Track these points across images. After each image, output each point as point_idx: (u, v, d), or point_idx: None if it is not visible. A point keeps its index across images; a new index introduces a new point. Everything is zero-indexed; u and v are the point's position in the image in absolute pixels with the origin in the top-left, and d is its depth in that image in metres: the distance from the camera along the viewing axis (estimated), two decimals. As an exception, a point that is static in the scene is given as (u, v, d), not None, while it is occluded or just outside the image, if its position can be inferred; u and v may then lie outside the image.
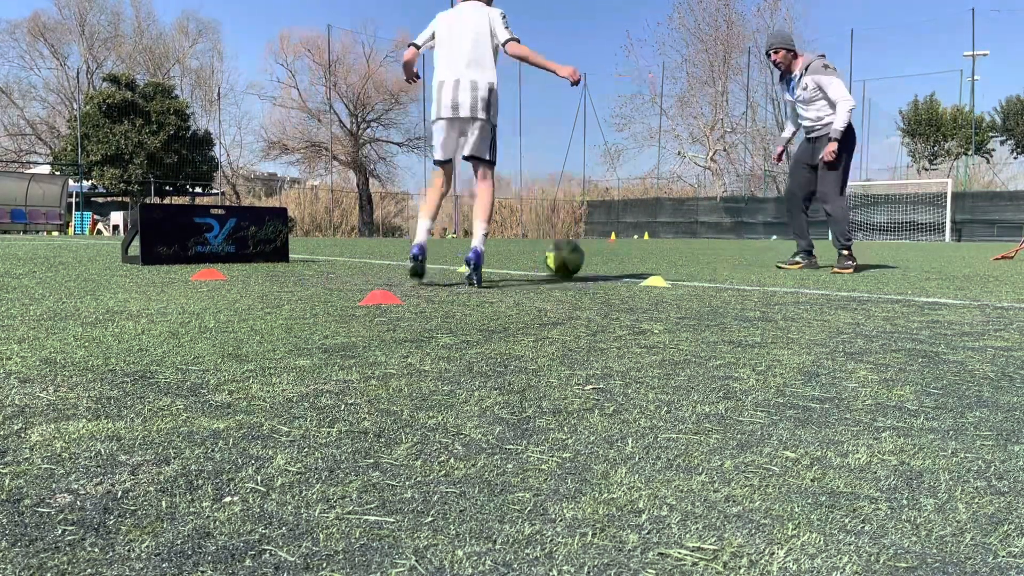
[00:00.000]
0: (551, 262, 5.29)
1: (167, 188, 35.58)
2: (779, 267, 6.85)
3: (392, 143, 40.25)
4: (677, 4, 54.19)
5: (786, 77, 6.55)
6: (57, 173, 33.82)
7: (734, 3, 39.91)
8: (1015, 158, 41.83)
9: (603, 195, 40.63)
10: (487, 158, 4.64)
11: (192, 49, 46.36)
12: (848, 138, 6.31)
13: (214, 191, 38.35)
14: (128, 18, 45.79)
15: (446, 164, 4.72)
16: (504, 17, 4.63)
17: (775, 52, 6.44)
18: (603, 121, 64.85)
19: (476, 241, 4.59)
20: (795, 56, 6.44)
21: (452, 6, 4.87)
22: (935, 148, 41.24)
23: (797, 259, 6.76)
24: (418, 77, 4.92)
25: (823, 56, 6.44)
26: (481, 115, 4.53)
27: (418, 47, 4.82)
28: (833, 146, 6.19)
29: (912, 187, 31.02)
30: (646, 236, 33.44)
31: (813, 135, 6.47)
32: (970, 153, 36.10)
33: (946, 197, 27.92)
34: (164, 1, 73.00)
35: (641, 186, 40.89)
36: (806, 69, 6.32)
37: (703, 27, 40.24)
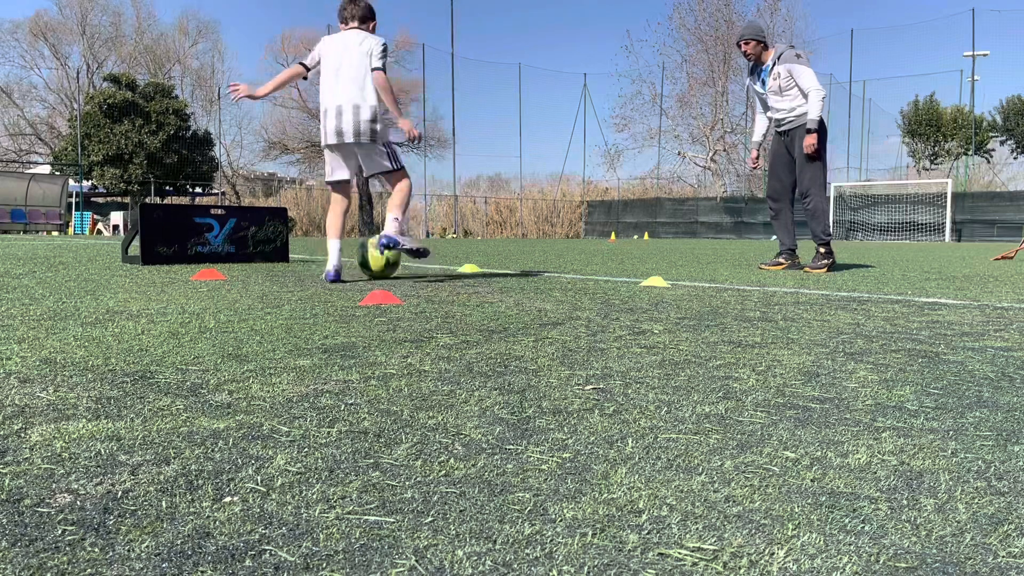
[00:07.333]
0: (375, 264, 4.96)
1: (167, 188, 35.56)
2: (762, 267, 6.84)
3: (392, 143, 40.21)
4: (677, 4, 54.09)
5: (756, 69, 6.51)
6: (57, 173, 33.82)
7: (734, 3, 39.66)
8: (1015, 158, 41.86)
9: (603, 195, 40.60)
10: (390, 168, 4.87)
11: (192, 49, 46.39)
12: (820, 130, 6.26)
13: (214, 191, 38.35)
14: (129, 18, 45.82)
15: (339, 185, 4.97)
16: (384, 47, 4.77)
17: (745, 43, 6.38)
18: (603, 121, 64.75)
19: (387, 228, 4.77)
20: (765, 47, 6.41)
21: (341, 29, 4.90)
22: (935, 148, 41.23)
23: (780, 259, 6.73)
24: (254, 99, 4.95)
25: (793, 47, 6.43)
26: (365, 139, 4.76)
27: (307, 68, 4.96)
28: (812, 138, 6.13)
29: (912, 187, 31.00)
30: (646, 236, 33.44)
31: (785, 127, 6.42)
32: (970, 153, 36.11)
33: (946, 197, 27.92)
34: (164, 1, 72.97)
35: (641, 186, 40.87)
36: (778, 58, 6.30)
37: (703, 27, 40.21)
